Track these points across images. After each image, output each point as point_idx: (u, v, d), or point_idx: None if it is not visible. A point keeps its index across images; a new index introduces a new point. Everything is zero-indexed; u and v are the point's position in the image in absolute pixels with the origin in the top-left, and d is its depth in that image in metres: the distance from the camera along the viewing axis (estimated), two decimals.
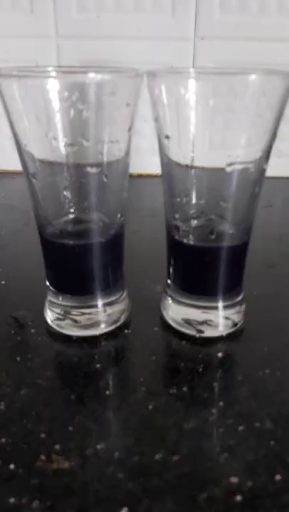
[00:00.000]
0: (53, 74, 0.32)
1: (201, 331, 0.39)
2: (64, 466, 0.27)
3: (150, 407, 0.31)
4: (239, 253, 0.39)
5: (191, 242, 0.38)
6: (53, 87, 0.30)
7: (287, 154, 0.87)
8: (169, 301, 0.41)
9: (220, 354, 0.37)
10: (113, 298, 0.40)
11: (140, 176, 0.86)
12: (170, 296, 0.40)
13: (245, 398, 0.32)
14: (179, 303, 0.40)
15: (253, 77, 0.31)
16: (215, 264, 0.37)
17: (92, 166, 0.33)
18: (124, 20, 0.79)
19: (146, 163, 0.79)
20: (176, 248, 0.39)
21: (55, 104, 0.31)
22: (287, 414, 0.31)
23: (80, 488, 0.25)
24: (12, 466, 0.27)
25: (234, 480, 0.26)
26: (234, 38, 0.79)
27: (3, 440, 0.28)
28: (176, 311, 0.40)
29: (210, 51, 0.80)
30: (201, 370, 0.35)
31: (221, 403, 0.32)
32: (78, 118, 0.31)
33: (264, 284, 0.48)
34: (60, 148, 0.33)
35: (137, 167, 0.84)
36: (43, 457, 0.27)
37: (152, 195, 0.76)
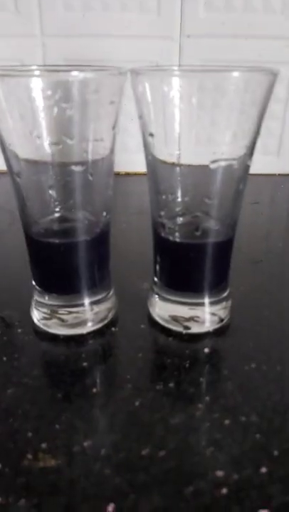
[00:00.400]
0: (37, 72, 0.32)
1: (188, 328, 0.39)
2: (51, 464, 0.27)
3: (137, 403, 0.31)
4: (224, 249, 0.39)
5: (177, 239, 0.38)
6: (37, 85, 0.30)
7: (274, 152, 0.88)
8: (156, 298, 0.41)
9: (206, 350, 0.37)
10: (100, 296, 0.40)
11: (128, 175, 0.86)
12: (157, 293, 0.41)
13: (231, 392, 0.32)
14: (166, 300, 0.40)
15: (236, 74, 0.31)
16: (201, 260, 0.38)
17: (76, 164, 0.33)
18: (109, 18, 0.79)
19: (134, 161, 0.79)
20: (162, 245, 0.39)
21: (39, 102, 0.31)
22: (273, 408, 0.31)
23: (66, 485, 0.25)
24: None
25: (220, 473, 0.26)
26: (220, 35, 0.79)
27: None
28: (163, 308, 0.40)
29: (196, 49, 0.81)
30: (187, 365, 0.35)
31: (207, 398, 0.32)
32: (62, 116, 0.31)
33: (250, 280, 0.48)
34: (45, 146, 0.33)
35: (124, 165, 0.84)
36: (29, 456, 0.27)
37: (140, 194, 0.76)
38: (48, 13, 0.79)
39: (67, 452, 0.27)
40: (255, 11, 0.78)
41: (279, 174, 0.89)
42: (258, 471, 0.26)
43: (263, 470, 0.26)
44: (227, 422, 0.30)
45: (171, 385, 0.33)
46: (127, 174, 0.86)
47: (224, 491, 0.25)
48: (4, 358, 0.36)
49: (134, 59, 0.80)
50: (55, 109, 0.31)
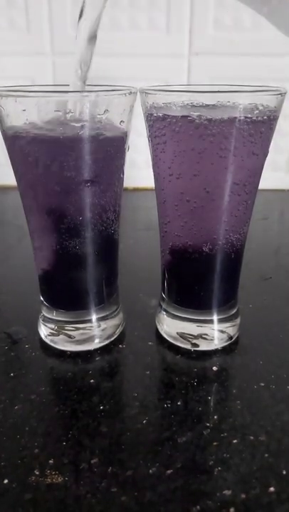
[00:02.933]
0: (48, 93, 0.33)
1: (196, 345, 0.39)
2: (58, 481, 0.27)
3: (144, 421, 0.31)
4: (233, 266, 0.39)
5: (186, 255, 0.38)
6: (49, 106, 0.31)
7: (283, 167, 0.88)
8: (164, 315, 0.41)
9: (215, 368, 0.37)
10: (107, 313, 0.40)
11: (136, 190, 0.86)
12: (165, 310, 0.41)
13: (240, 411, 0.32)
14: (174, 317, 0.40)
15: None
16: (209, 277, 0.38)
17: (87, 182, 0.34)
18: (119, 37, 0.80)
19: (142, 176, 0.80)
20: (170, 262, 0.39)
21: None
22: (281, 427, 0.31)
23: (73, 502, 0.25)
24: (6, 481, 0.27)
25: (227, 493, 0.26)
26: (228, 54, 0.80)
27: None
28: (171, 325, 0.40)
29: (204, 67, 0.81)
30: (195, 384, 0.35)
31: (216, 417, 0.32)
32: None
33: (260, 297, 0.48)
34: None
35: (132, 181, 0.85)
36: (36, 472, 0.27)
37: (147, 209, 0.77)
38: (58, 32, 0.80)
39: (75, 469, 0.27)
40: (263, 29, 0.79)
41: (288, 190, 0.89)
42: (266, 490, 0.26)
43: (271, 490, 0.26)
44: (235, 441, 0.29)
45: (179, 403, 0.33)
46: (135, 189, 0.87)
47: (232, 510, 0.25)
48: (11, 374, 0.36)
49: (143, 77, 0.81)
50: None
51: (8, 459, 0.28)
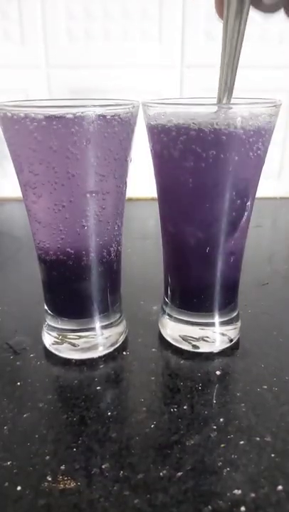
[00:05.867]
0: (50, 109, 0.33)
1: (197, 347, 0.40)
2: (70, 486, 0.27)
3: (152, 425, 0.32)
4: (234, 269, 0.40)
5: (188, 259, 0.39)
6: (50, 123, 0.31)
7: (274, 175, 0.90)
8: (167, 319, 0.42)
9: (218, 372, 0.37)
10: (111, 320, 0.41)
11: (130, 200, 0.87)
12: (168, 314, 0.41)
13: (245, 414, 0.33)
14: (177, 320, 0.41)
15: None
16: (212, 280, 0.39)
17: (91, 192, 0.34)
18: (112, 49, 0.81)
19: (136, 186, 0.81)
20: (173, 266, 0.40)
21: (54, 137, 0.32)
22: (286, 428, 0.31)
23: (87, 506, 0.26)
24: (19, 488, 0.27)
25: (237, 492, 0.26)
26: (219, 65, 0.82)
27: (9, 463, 0.29)
28: (174, 329, 0.41)
29: (196, 78, 0.83)
30: (200, 388, 0.36)
31: (222, 419, 0.32)
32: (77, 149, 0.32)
33: (258, 302, 0.49)
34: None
35: (127, 190, 0.86)
36: (49, 478, 0.28)
37: (142, 218, 0.78)
38: (53, 44, 0.81)
39: (86, 474, 0.28)
40: (253, 41, 0.80)
41: (280, 198, 0.91)
42: (275, 489, 0.27)
43: (280, 488, 0.27)
44: (242, 442, 0.30)
45: (185, 407, 0.33)
46: (129, 199, 0.87)
47: (242, 509, 0.25)
48: (18, 383, 0.36)
49: (136, 88, 0.82)
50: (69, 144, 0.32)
51: (20, 466, 0.29)
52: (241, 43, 0.32)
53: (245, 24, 0.31)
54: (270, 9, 0.31)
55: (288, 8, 0.30)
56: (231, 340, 0.41)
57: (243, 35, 0.31)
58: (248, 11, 0.31)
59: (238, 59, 0.32)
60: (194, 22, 0.80)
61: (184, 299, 0.40)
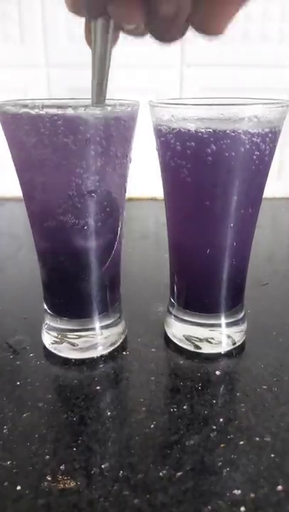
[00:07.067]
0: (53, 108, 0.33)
1: (199, 347, 0.40)
2: (70, 486, 0.27)
3: (152, 426, 0.32)
4: (242, 269, 0.40)
5: (195, 260, 0.39)
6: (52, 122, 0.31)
7: (274, 176, 0.89)
8: (172, 319, 0.42)
9: (217, 372, 0.38)
10: (111, 320, 0.41)
11: (130, 200, 0.87)
12: (174, 314, 0.42)
13: (245, 414, 0.33)
14: (183, 321, 0.41)
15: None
16: (218, 281, 0.39)
17: (91, 191, 0.34)
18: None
19: (136, 186, 0.81)
20: (179, 266, 0.40)
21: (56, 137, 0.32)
22: (286, 428, 0.31)
23: (87, 506, 0.26)
24: (19, 488, 0.27)
25: (237, 492, 0.26)
26: (218, 64, 0.82)
27: (9, 463, 0.29)
28: (179, 329, 0.41)
29: (196, 78, 0.83)
30: (200, 388, 0.36)
31: (221, 419, 0.32)
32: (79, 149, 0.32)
33: (258, 302, 0.49)
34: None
35: (127, 190, 0.86)
36: (48, 478, 0.28)
37: (142, 218, 0.78)
38: (52, 44, 0.81)
39: (86, 474, 0.28)
40: (252, 41, 0.80)
41: (280, 198, 0.91)
42: (274, 489, 0.27)
43: (279, 488, 0.27)
44: (242, 442, 0.30)
45: (185, 407, 0.33)
46: (129, 200, 0.87)
47: (242, 509, 0.25)
48: (18, 383, 0.36)
49: (136, 88, 0.82)
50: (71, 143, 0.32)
51: (19, 466, 0.29)
52: (109, 65, 0.33)
53: (111, 48, 0.33)
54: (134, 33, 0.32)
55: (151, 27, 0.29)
56: (234, 343, 0.41)
57: (110, 57, 0.34)
58: (112, 38, 0.33)
59: (108, 78, 0.33)
60: None
61: (189, 299, 0.41)
